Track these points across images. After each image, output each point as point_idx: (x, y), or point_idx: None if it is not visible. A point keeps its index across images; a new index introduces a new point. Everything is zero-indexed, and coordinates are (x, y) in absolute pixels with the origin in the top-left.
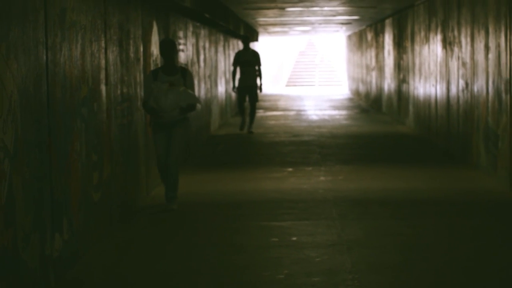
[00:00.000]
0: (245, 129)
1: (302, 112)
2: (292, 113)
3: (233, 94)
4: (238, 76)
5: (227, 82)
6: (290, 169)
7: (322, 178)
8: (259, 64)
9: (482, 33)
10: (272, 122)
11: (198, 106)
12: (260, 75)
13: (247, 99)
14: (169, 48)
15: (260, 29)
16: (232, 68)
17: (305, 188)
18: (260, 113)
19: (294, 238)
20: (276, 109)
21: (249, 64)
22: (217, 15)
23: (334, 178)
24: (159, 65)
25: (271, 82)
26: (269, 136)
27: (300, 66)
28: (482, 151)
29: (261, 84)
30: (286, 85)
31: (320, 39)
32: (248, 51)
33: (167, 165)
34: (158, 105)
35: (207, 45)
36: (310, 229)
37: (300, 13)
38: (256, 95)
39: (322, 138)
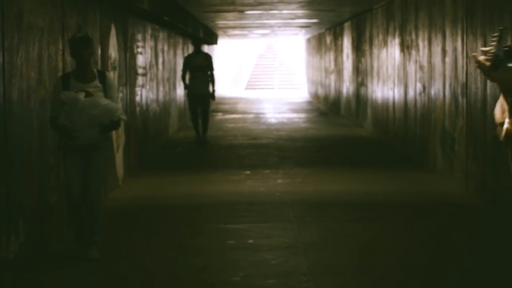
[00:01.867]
0: (200, 143)
1: (261, 115)
2: (251, 116)
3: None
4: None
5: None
6: (248, 172)
7: (279, 180)
8: (211, 68)
9: (439, 36)
10: (231, 125)
11: (123, 119)
12: (212, 81)
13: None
14: (81, 47)
15: (219, 32)
16: (181, 73)
17: (262, 191)
18: (219, 116)
19: (251, 241)
20: (235, 112)
21: (200, 69)
22: (176, 18)
23: (292, 181)
24: (117, 68)
25: (231, 85)
26: (227, 139)
27: (259, 69)
28: (439, 154)
29: (213, 91)
30: (246, 88)
31: (279, 42)
32: (199, 55)
33: (85, 201)
34: (72, 123)
35: (166, 48)
36: (267, 232)
37: (259, 16)
38: (208, 103)
39: (281, 141)
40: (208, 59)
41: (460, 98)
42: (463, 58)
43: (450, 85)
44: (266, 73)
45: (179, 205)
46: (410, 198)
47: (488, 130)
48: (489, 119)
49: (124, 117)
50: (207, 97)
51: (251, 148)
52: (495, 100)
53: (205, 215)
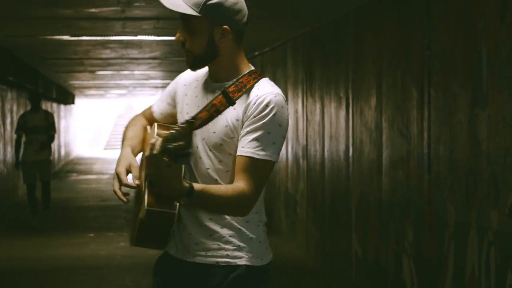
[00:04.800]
0: (37, 221)
1: None
2: (106, 177)
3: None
4: (23, 147)
5: None
6: (91, 235)
7: (122, 243)
8: (52, 130)
9: None
10: (84, 186)
11: None
12: (49, 143)
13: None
14: None
15: (76, 92)
16: (15, 136)
17: (103, 254)
18: (73, 177)
19: None
20: (90, 172)
21: (39, 130)
22: (24, 78)
23: None
24: None
25: (89, 145)
26: (77, 201)
27: (119, 129)
28: (282, 216)
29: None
30: (105, 148)
31: (139, 102)
32: (38, 113)
33: None
34: None
35: (15, 108)
36: None
37: (112, 77)
38: (50, 173)
39: (131, 203)
40: (49, 118)
41: (301, 160)
42: (303, 120)
43: (292, 148)
44: None
45: (14, 270)
46: None
47: (326, 192)
48: (327, 182)
49: None
50: (48, 164)
51: (100, 210)
52: (333, 163)
53: (42, 281)
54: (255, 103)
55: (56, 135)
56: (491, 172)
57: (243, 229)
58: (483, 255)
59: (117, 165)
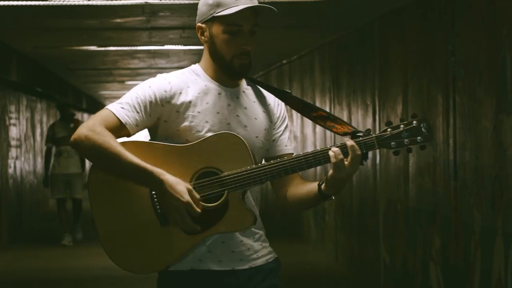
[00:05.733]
0: (67, 240)
1: None
2: None
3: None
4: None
5: None
6: None
7: None
8: None
9: None
10: None
11: None
12: (83, 158)
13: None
14: None
15: (106, 102)
16: (45, 147)
17: None
18: None
19: None
20: None
21: (68, 141)
22: (52, 89)
23: None
24: None
25: None
26: None
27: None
28: (312, 225)
29: (83, 171)
30: None
31: None
32: (67, 123)
33: None
34: None
35: (44, 119)
36: None
37: None
38: (81, 189)
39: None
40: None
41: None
42: None
43: None
44: None
45: (45, 281)
46: (282, 269)
47: (354, 200)
48: (355, 189)
49: None
50: (79, 179)
51: None
52: (360, 170)
53: None
54: (278, 103)
55: None
56: None
57: (263, 227)
58: (509, 262)
59: (180, 194)
